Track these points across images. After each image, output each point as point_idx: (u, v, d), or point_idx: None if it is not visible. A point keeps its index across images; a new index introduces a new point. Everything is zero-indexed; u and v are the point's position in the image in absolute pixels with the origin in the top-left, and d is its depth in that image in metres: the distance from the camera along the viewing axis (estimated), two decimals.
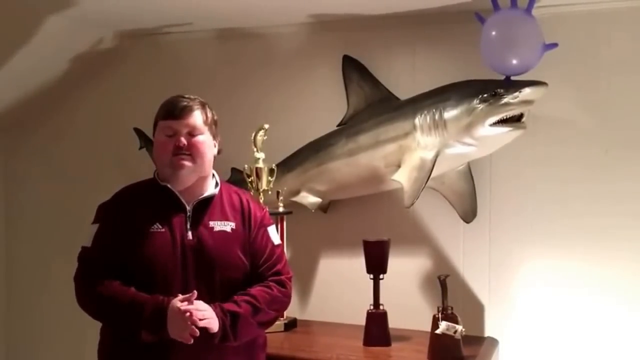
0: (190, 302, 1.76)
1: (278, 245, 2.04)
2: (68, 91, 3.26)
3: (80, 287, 1.88)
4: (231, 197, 2.00)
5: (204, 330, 1.75)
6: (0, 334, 3.52)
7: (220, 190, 1.99)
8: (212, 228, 1.91)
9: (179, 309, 1.74)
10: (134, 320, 1.77)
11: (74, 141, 3.35)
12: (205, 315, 1.76)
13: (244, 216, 1.97)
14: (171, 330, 1.74)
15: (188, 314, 1.73)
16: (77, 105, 3.33)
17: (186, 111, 1.89)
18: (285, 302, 1.99)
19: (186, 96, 1.94)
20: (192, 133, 1.89)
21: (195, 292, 1.77)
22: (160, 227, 1.87)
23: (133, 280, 1.82)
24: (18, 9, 2.53)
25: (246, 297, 1.87)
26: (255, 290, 1.90)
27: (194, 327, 1.73)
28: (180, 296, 1.77)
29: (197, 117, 1.90)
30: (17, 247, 3.51)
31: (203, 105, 1.94)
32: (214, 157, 1.98)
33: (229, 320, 1.81)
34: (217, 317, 1.79)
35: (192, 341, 1.73)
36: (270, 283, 1.94)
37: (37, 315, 3.45)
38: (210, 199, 1.95)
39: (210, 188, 1.97)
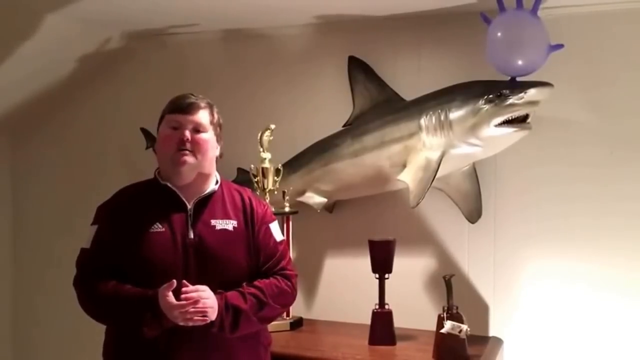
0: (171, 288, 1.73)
1: (281, 242, 2.02)
2: (75, 91, 3.28)
3: (79, 293, 1.88)
4: (232, 195, 1.99)
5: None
6: (6, 331, 3.54)
7: (221, 187, 1.98)
8: (214, 226, 1.89)
9: (169, 302, 1.72)
10: (130, 320, 1.77)
11: (81, 141, 3.36)
12: (207, 304, 1.75)
13: (245, 214, 1.96)
14: (170, 317, 1.73)
15: (184, 309, 1.72)
16: (84, 105, 3.34)
17: (194, 107, 1.90)
18: (291, 297, 1.98)
19: (195, 95, 1.96)
20: (197, 129, 1.89)
21: (175, 281, 1.73)
22: (160, 226, 1.85)
23: (133, 282, 1.80)
24: (25, 10, 2.54)
25: (253, 290, 1.86)
26: (264, 282, 1.89)
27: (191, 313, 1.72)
28: (168, 288, 1.74)
29: (203, 115, 1.91)
30: (24, 246, 3.53)
31: (211, 106, 1.95)
32: (216, 160, 1.98)
33: (231, 317, 1.80)
34: (219, 309, 1.77)
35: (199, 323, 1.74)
36: (278, 277, 1.93)
37: (44, 313, 3.47)
38: (210, 196, 1.94)
39: (211, 186, 1.96)
